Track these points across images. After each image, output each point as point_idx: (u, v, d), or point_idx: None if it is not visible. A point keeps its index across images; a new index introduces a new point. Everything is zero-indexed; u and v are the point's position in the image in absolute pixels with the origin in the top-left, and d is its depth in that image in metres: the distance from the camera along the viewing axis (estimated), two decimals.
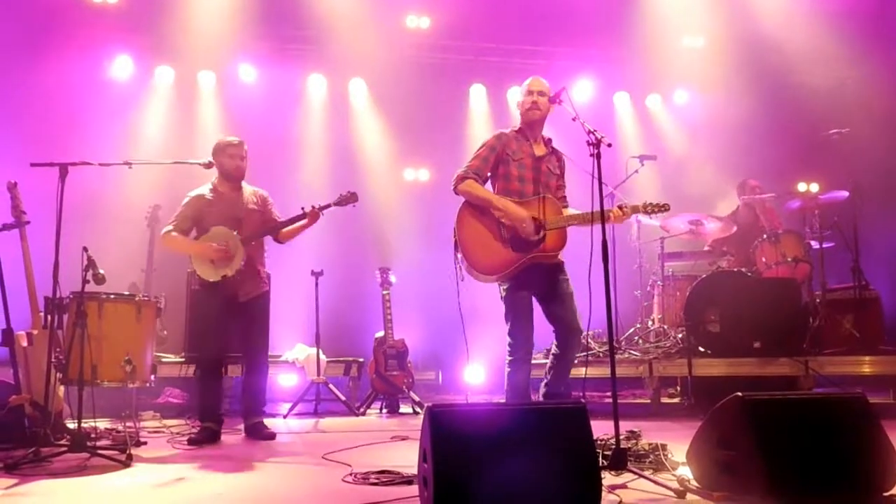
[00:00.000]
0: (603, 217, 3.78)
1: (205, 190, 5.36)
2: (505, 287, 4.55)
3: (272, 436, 5.25)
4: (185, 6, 8.22)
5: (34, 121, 7.67)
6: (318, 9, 8.42)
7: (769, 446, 2.96)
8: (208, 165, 5.18)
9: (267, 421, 5.48)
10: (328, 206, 5.33)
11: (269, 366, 7.11)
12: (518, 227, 4.43)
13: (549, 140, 4.79)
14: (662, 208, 4.53)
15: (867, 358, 6.32)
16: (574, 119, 4.06)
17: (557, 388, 4.53)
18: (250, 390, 5.42)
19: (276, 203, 5.57)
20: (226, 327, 5.29)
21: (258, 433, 5.25)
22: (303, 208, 5.31)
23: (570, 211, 4.64)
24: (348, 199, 5.42)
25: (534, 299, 4.60)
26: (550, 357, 4.60)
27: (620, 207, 4.54)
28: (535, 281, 4.52)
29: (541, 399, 4.61)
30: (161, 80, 8.74)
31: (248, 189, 5.47)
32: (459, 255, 4.51)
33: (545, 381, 4.61)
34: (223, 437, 5.19)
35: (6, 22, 7.80)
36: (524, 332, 4.51)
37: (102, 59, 8.47)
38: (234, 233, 5.19)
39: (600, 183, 3.76)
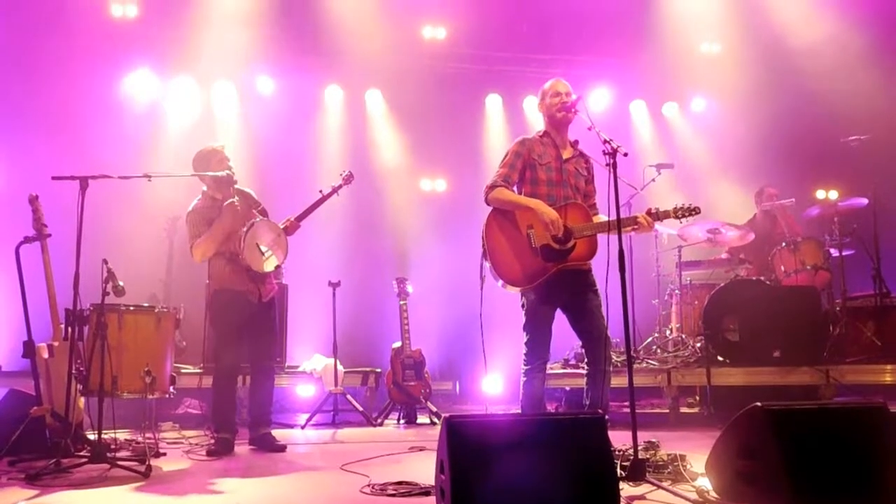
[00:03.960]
0: (619, 226, 3.78)
1: (205, 205, 5.21)
2: (529, 298, 4.46)
3: (282, 448, 5.12)
4: (204, 19, 8.27)
5: (55, 134, 7.75)
6: (334, 20, 8.48)
7: (792, 456, 2.94)
8: (227, 177, 5.20)
9: (284, 432, 5.42)
10: None
11: (287, 376, 7.20)
12: (549, 226, 4.29)
13: (576, 142, 4.66)
14: (693, 211, 4.40)
15: (889, 366, 6.27)
16: (590, 128, 4.03)
17: (597, 399, 4.40)
18: (259, 399, 5.29)
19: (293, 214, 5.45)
20: (245, 334, 5.19)
21: (268, 445, 5.15)
22: None
23: (601, 218, 4.52)
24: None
25: (559, 309, 4.51)
26: (585, 370, 4.51)
27: (650, 212, 4.37)
28: (561, 291, 4.42)
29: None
30: (180, 92, 8.79)
31: (242, 191, 5.37)
32: (488, 264, 4.42)
33: (585, 392, 4.49)
34: (237, 448, 5.14)
35: (26, 36, 7.93)
36: (542, 343, 4.46)
37: (122, 71, 8.53)
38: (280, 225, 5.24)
39: (616, 193, 3.75)
